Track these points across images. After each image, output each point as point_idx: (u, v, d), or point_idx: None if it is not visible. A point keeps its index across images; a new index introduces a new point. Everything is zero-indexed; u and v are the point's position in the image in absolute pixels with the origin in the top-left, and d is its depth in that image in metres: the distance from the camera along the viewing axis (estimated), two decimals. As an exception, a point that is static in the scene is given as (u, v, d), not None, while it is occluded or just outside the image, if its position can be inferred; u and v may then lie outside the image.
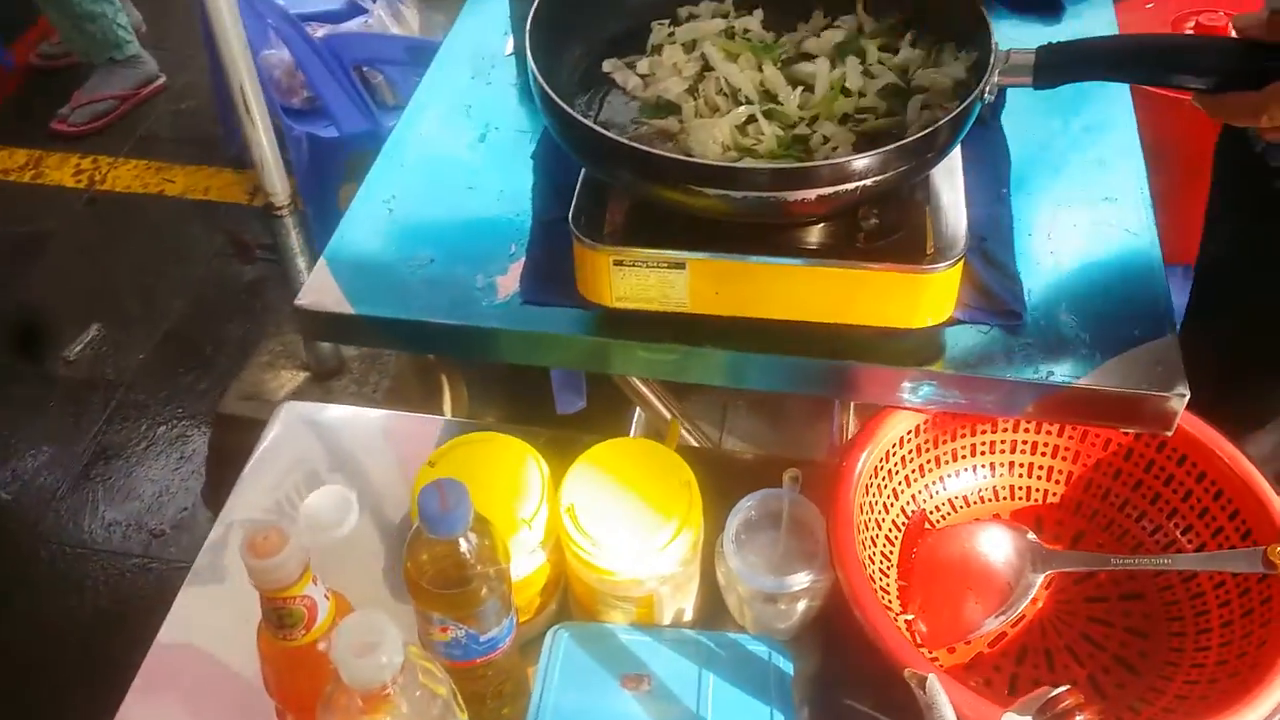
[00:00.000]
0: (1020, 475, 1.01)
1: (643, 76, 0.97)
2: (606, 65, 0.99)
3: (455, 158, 1.09)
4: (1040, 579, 0.92)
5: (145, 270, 2.61)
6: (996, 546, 0.94)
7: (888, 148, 0.77)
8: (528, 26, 0.88)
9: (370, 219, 1.03)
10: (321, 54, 1.84)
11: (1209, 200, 1.23)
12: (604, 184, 0.90)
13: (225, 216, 2.72)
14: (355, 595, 0.81)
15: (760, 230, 0.87)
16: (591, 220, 0.88)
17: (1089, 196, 1.02)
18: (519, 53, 1.21)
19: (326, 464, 1.10)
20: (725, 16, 1.00)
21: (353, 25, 2.26)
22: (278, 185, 1.54)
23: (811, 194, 0.77)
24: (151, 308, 2.49)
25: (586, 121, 0.82)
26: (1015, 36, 1.19)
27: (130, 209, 2.79)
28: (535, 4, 0.90)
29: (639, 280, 0.88)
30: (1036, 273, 0.95)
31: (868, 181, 0.78)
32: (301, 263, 1.65)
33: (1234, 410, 0.95)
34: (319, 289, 0.97)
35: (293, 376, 1.87)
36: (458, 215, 1.03)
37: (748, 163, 0.85)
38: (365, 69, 2.02)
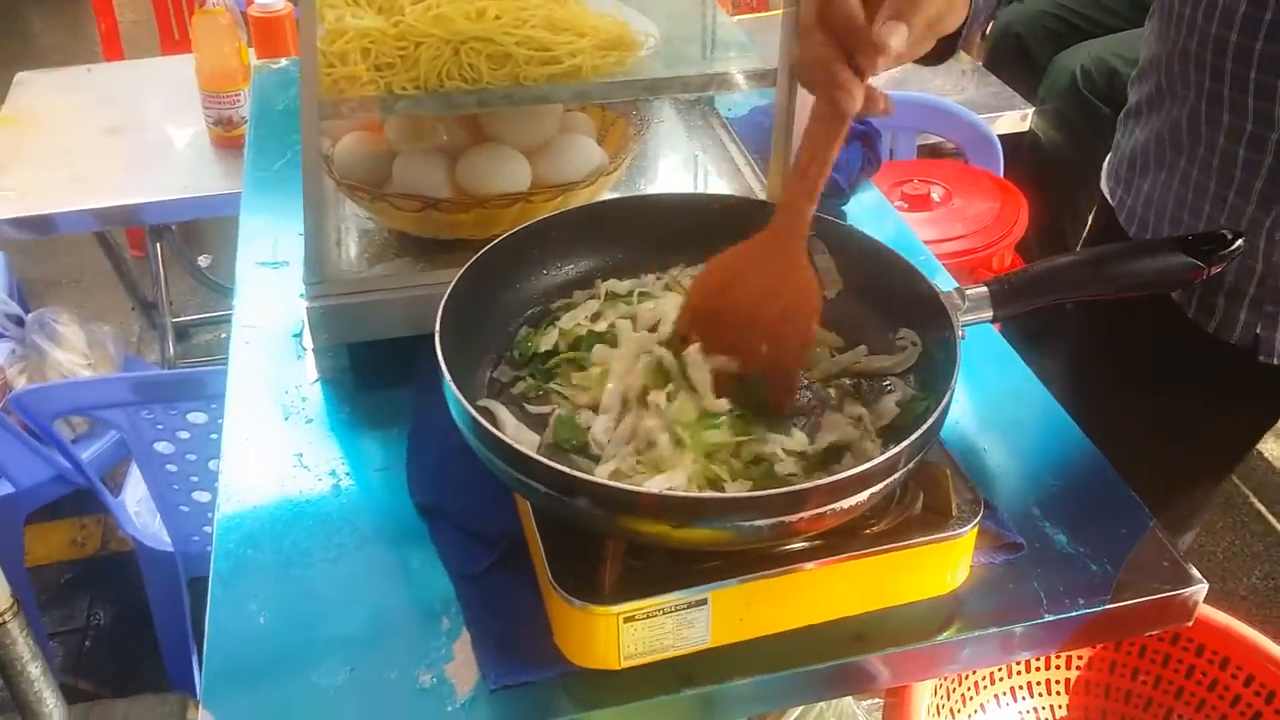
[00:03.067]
0: (1040, 695, 0.95)
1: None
2: (483, 402, 0.82)
3: (316, 525, 0.88)
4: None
5: None
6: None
7: (916, 435, 0.69)
8: (442, 361, 0.73)
9: (241, 639, 0.78)
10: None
11: None
12: (572, 529, 0.74)
13: None
14: None
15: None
16: (580, 575, 0.72)
17: (996, 407, 1.01)
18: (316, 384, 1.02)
19: None
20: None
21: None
22: (-2, 590, 1.19)
23: (864, 494, 0.68)
24: None
25: (579, 474, 0.67)
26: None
27: None
28: (438, 335, 0.75)
29: (652, 631, 0.72)
30: (998, 493, 0.90)
31: (911, 466, 0.70)
32: (35, 670, 1.27)
33: None
34: (212, 755, 0.71)
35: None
36: (353, 599, 0.81)
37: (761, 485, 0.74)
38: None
